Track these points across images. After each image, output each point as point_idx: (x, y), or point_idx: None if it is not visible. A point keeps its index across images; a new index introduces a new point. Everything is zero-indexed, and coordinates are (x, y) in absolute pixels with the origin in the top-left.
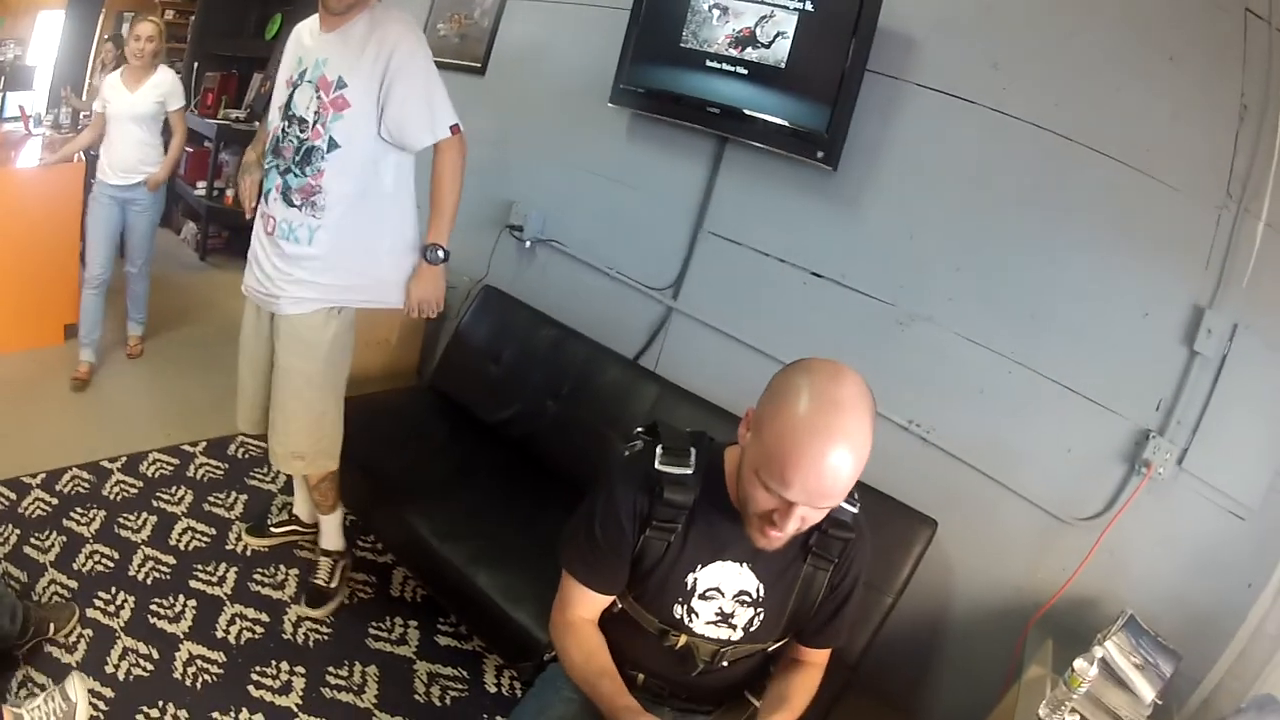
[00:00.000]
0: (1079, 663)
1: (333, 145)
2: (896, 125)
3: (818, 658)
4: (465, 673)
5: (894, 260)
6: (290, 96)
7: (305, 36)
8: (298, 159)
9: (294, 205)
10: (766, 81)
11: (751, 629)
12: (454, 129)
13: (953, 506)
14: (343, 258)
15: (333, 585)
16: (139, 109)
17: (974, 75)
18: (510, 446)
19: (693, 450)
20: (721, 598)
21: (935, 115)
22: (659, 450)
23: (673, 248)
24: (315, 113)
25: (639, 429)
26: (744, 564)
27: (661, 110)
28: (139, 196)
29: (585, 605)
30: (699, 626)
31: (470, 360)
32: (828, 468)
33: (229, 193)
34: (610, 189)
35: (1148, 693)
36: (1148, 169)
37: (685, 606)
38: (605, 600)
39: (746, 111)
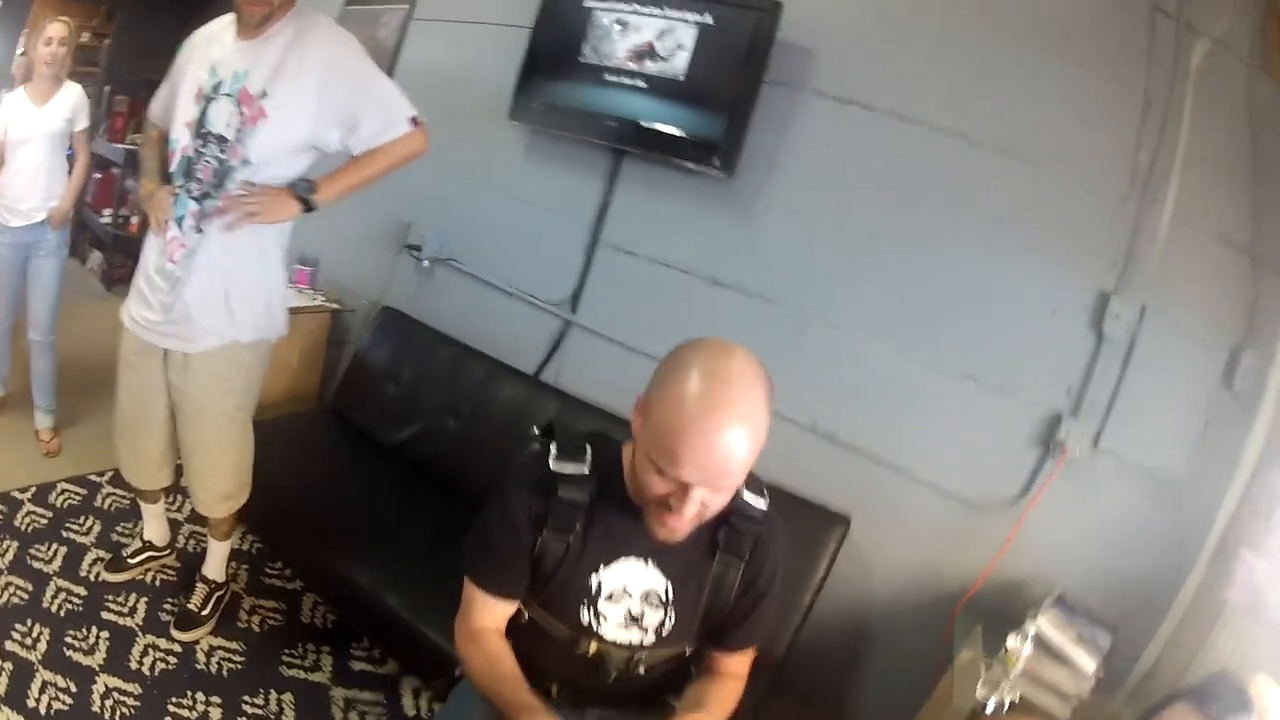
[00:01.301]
0: (1011, 641)
1: (245, 163)
2: (794, 133)
3: (737, 667)
4: (382, 697)
5: (793, 264)
6: (203, 112)
7: (217, 44)
8: (215, 181)
9: (200, 231)
10: (665, 94)
11: (663, 633)
12: (414, 121)
13: (866, 503)
14: (248, 285)
15: (204, 613)
16: (48, 127)
17: (874, 83)
18: (412, 466)
19: (588, 448)
20: (629, 599)
21: (834, 122)
22: (553, 450)
23: (570, 262)
24: (237, 130)
25: (535, 430)
26: (648, 560)
27: (560, 125)
28: (44, 237)
29: (488, 612)
30: (609, 631)
31: (370, 382)
32: (720, 443)
33: (134, 219)
34: (509, 206)
35: (1088, 664)
36: (1051, 167)
37: (592, 610)
38: (508, 606)
39: (644, 123)
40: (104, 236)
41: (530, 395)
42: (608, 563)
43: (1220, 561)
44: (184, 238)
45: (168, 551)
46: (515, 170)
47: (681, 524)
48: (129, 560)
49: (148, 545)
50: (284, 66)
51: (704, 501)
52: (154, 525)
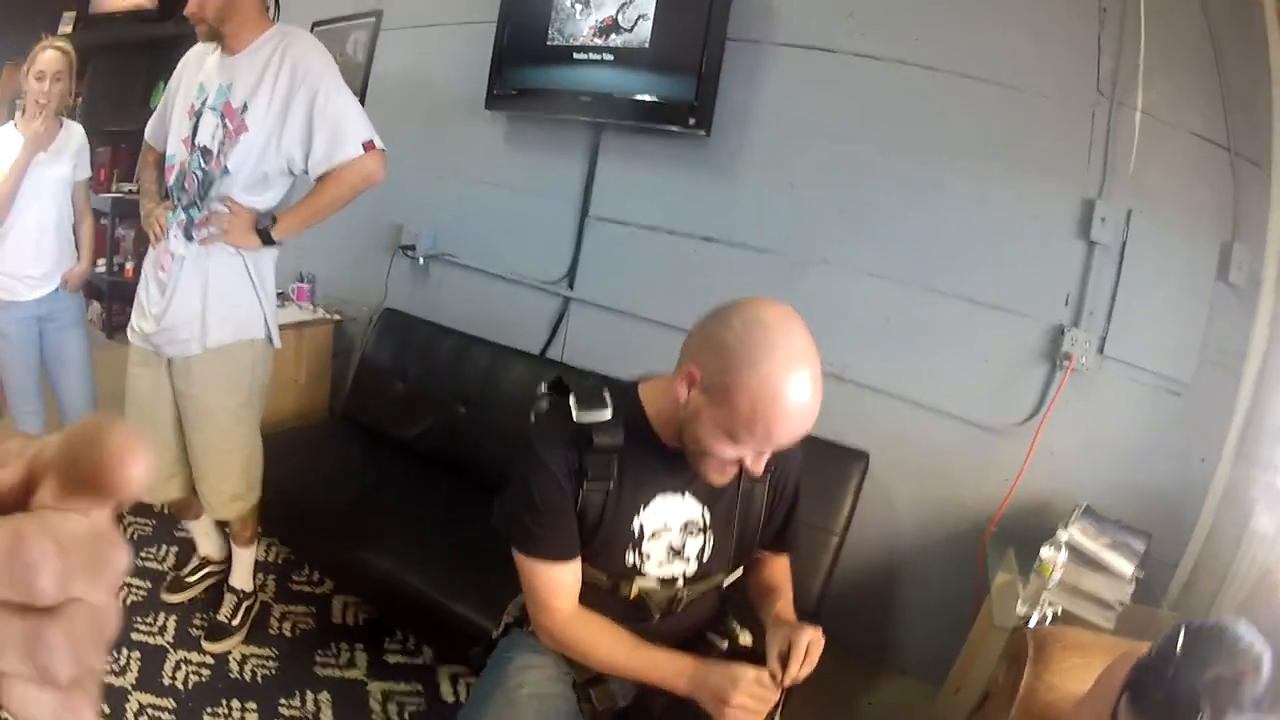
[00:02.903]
0: (1046, 551)
1: (225, 173)
2: (763, 85)
3: (783, 564)
4: (420, 686)
5: (779, 212)
6: (195, 126)
7: (207, 61)
8: (201, 192)
9: (192, 239)
10: (633, 63)
11: (704, 558)
12: (368, 145)
13: (882, 438)
14: (231, 290)
15: (234, 623)
16: (54, 178)
17: (832, 27)
18: (428, 458)
19: (606, 394)
20: (670, 533)
21: (800, 70)
22: (573, 402)
23: (562, 240)
24: (220, 142)
25: (543, 388)
26: (684, 493)
27: (536, 108)
28: (60, 308)
29: (562, 588)
30: (652, 569)
31: (378, 384)
32: (811, 417)
33: (129, 266)
34: (495, 195)
35: (1125, 567)
36: (1015, 83)
37: (636, 552)
38: (575, 570)
39: (617, 95)
40: (101, 286)
41: (537, 373)
42: (646, 503)
43: (1241, 462)
44: (173, 247)
45: (224, 564)
46: (498, 159)
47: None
48: (187, 580)
49: (205, 561)
50: (263, 80)
51: None
52: (205, 540)
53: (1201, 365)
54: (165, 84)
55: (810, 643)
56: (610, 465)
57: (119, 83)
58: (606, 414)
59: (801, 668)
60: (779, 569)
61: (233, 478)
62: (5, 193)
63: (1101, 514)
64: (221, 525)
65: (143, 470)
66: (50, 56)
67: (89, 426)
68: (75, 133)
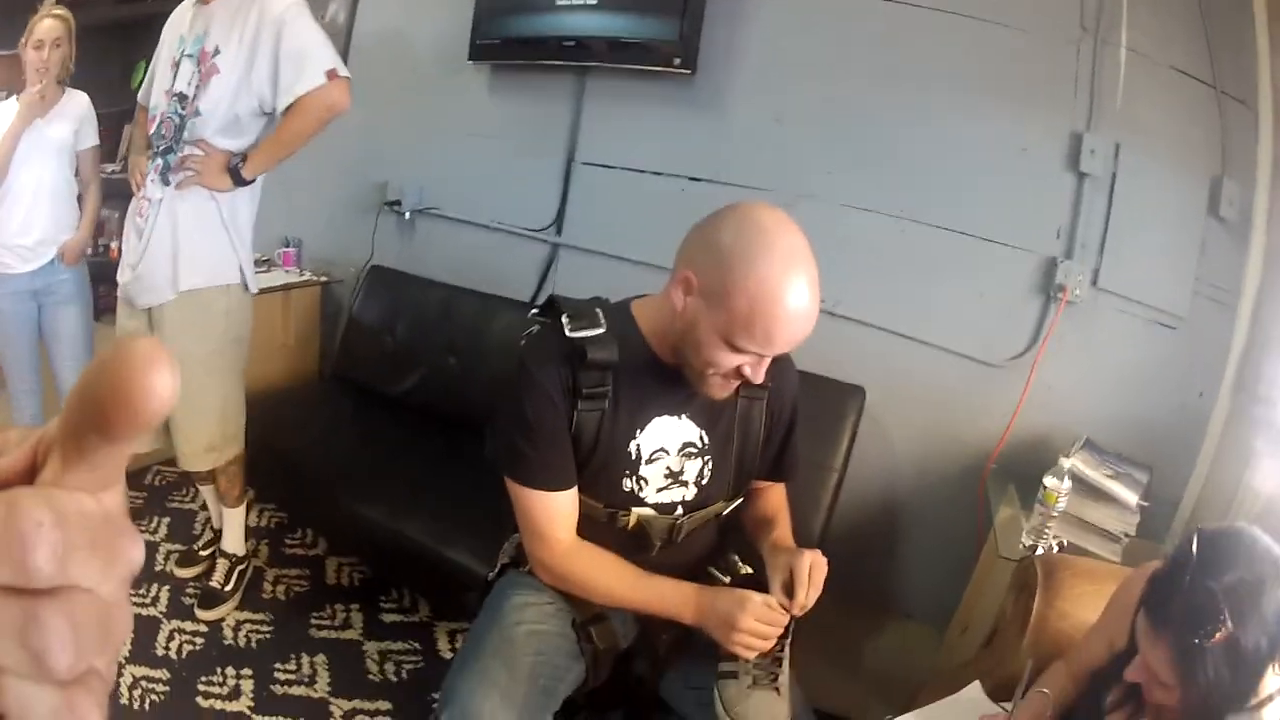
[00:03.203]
0: (1049, 480)
1: (196, 114)
2: (748, 22)
3: (778, 494)
4: (417, 644)
5: (766, 148)
6: (175, 75)
7: (185, 14)
8: (176, 136)
9: (168, 184)
10: (616, 6)
11: (703, 481)
12: (330, 74)
13: (877, 374)
14: (204, 234)
15: (227, 589)
16: (49, 139)
17: None
18: (419, 411)
19: (599, 311)
20: (668, 456)
21: (785, 6)
22: (565, 320)
23: (549, 187)
24: (196, 87)
25: (533, 311)
26: (681, 415)
27: (519, 56)
28: (57, 279)
29: (559, 518)
30: (650, 495)
31: (367, 341)
32: (811, 319)
33: (114, 246)
34: (481, 145)
35: (1129, 497)
36: (999, 19)
37: (634, 477)
38: (573, 499)
39: (601, 38)
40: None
41: (526, 320)
42: (642, 426)
43: (1240, 397)
44: (150, 192)
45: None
46: (482, 110)
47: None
48: (200, 553)
49: (218, 534)
50: (234, 23)
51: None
52: (217, 510)
53: (1196, 299)
54: (146, 64)
55: (813, 566)
56: (605, 382)
57: (99, 63)
58: (600, 330)
59: (808, 594)
60: (775, 499)
61: (205, 428)
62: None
63: (1102, 447)
64: (206, 483)
65: (168, 380)
66: (48, 25)
67: (106, 352)
68: (79, 99)
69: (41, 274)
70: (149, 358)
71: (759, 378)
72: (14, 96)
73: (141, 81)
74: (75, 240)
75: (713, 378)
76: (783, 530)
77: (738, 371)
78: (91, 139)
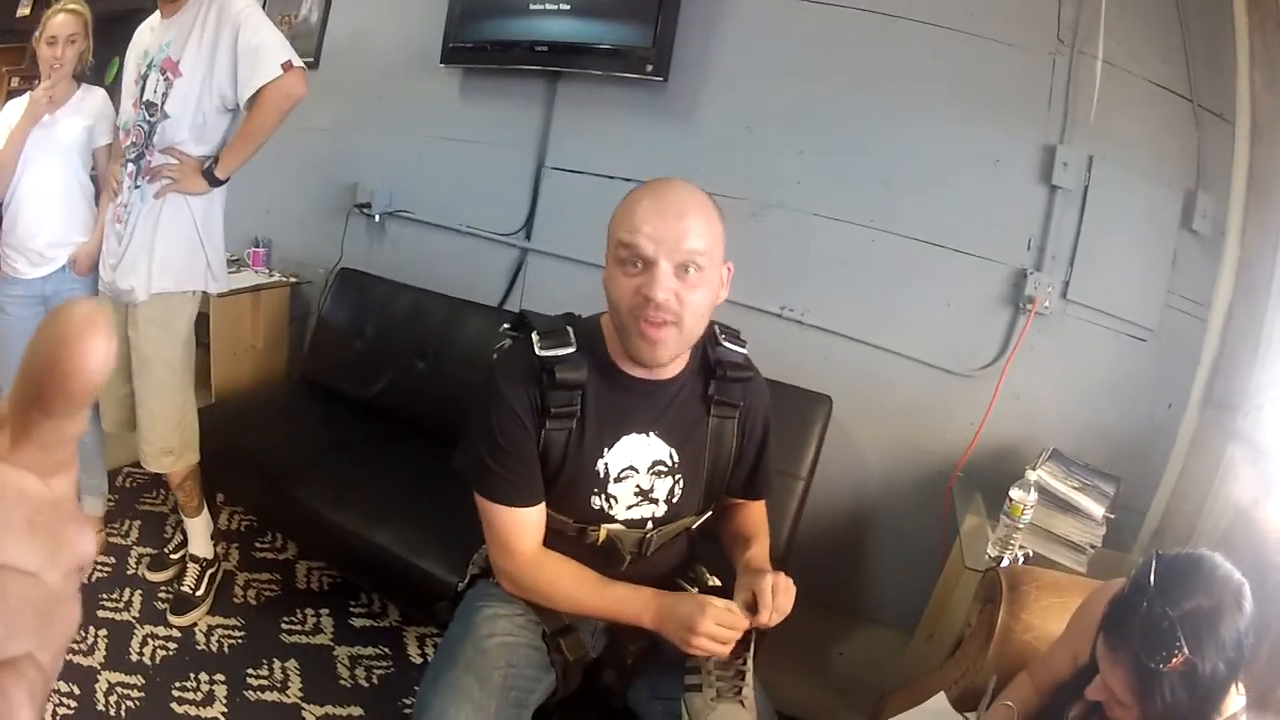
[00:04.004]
0: (1015, 492)
1: (165, 117)
2: (721, 30)
3: (758, 510)
4: (387, 649)
5: (737, 156)
6: (142, 87)
7: (148, 31)
8: (146, 141)
9: (138, 187)
10: (590, 12)
11: (673, 499)
12: (286, 66)
13: (845, 383)
14: (177, 237)
15: (199, 593)
16: (61, 138)
17: None
18: (388, 415)
19: (569, 329)
20: (637, 474)
21: (759, 15)
22: (535, 337)
23: (519, 192)
24: (163, 94)
25: (505, 326)
26: (649, 433)
27: (491, 60)
28: (66, 287)
29: (525, 531)
30: (620, 512)
31: (336, 344)
32: (671, 203)
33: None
34: (451, 149)
35: (1096, 509)
36: (976, 30)
37: (603, 495)
38: (539, 515)
39: (573, 44)
40: None
41: (495, 325)
42: (610, 445)
43: (1209, 408)
44: (125, 197)
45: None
46: (453, 113)
47: (662, 331)
48: (171, 556)
49: (187, 538)
50: (193, 29)
51: (676, 294)
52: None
53: (1166, 312)
54: (120, 60)
55: (780, 588)
56: (573, 401)
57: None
58: (570, 349)
59: (772, 615)
60: (754, 516)
61: (164, 431)
62: (3, 161)
63: (1069, 457)
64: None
65: (102, 345)
66: (62, 20)
67: (47, 318)
68: (95, 95)
69: (52, 280)
70: (86, 320)
71: (656, 291)
72: (17, 99)
73: (115, 77)
74: (86, 249)
75: (634, 325)
76: (759, 548)
77: (642, 297)
78: (107, 136)
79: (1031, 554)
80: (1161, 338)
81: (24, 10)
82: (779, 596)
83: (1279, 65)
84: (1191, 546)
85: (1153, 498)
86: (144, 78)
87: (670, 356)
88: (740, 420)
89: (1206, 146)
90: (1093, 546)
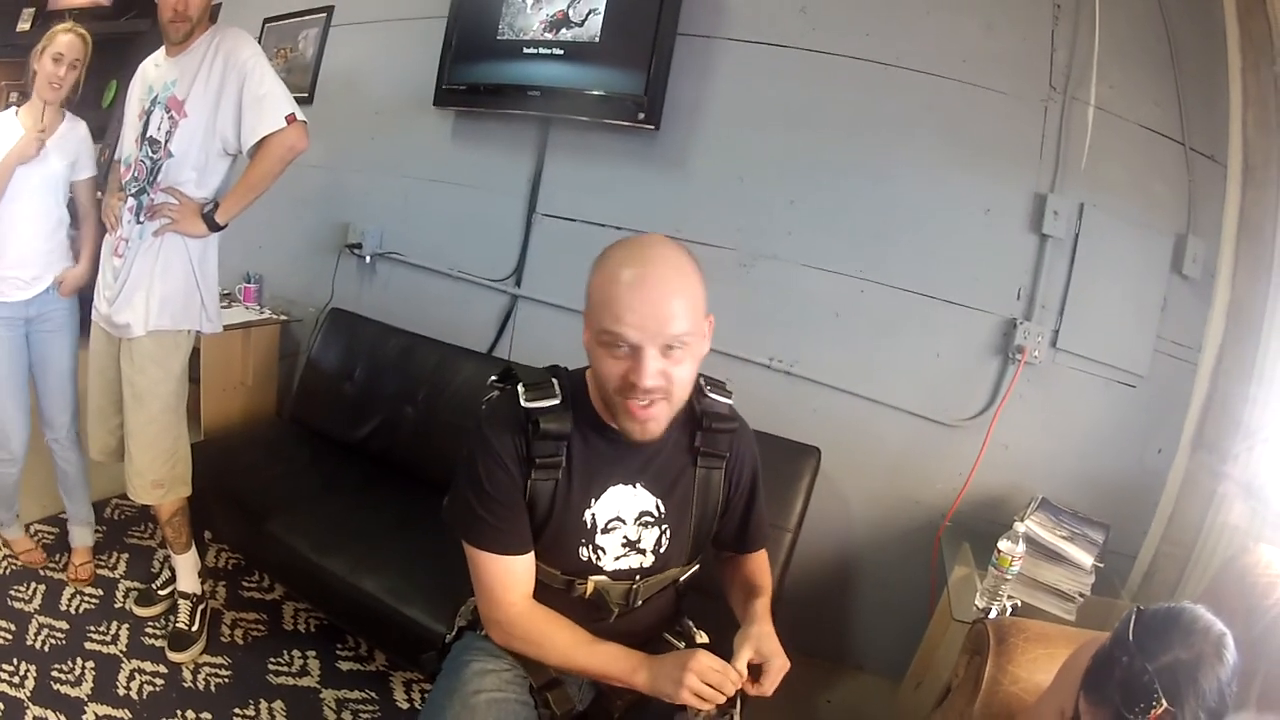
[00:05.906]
0: (1004, 543)
1: (169, 156)
2: (713, 80)
3: (760, 560)
4: (373, 693)
5: (727, 206)
6: (145, 123)
7: (152, 67)
8: (149, 178)
9: (140, 223)
10: (583, 58)
11: (660, 549)
12: (289, 119)
13: (833, 434)
14: (175, 275)
15: (193, 629)
16: (48, 173)
17: (784, 21)
18: (376, 459)
19: (554, 381)
20: (624, 525)
21: (751, 65)
22: (521, 389)
23: (510, 237)
24: (167, 132)
25: (493, 378)
26: (635, 484)
27: (484, 104)
28: (50, 309)
29: (514, 581)
30: (608, 563)
31: (325, 385)
32: (653, 283)
33: None
34: (442, 192)
35: (1085, 559)
36: (968, 79)
37: (590, 547)
38: (529, 565)
39: (566, 90)
40: None
41: (485, 372)
42: (597, 496)
43: (1199, 453)
44: (125, 232)
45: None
46: (445, 156)
47: (651, 410)
48: (159, 592)
49: (175, 574)
50: (200, 71)
51: (664, 373)
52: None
53: (1156, 357)
54: (117, 83)
55: (780, 668)
56: (559, 452)
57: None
58: (555, 401)
59: (767, 688)
60: (757, 566)
61: (156, 464)
62: None
63: (1058, 506)
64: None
65: None
66: (71, 40)
67: None
68: (78, 130)
69: (36, 302)
70: None
71: (641, 383)
72: (14, 109)
73: (112, 100)
74: (75, 274)
75: (621, 404)
76: (763, 600)
77: (629, 382)
78: (89, 169)
79: (1020, 603)
80: (1151, 383)
81: (24, 25)
82: (778, 675)
83: (1271, 105)
84: (1181, 589)
85: (1143, 542)
86: (148, 114)
87: (661, 430)
88: (727, 470)
89: (1197, 190)
90: (1082, 595)
